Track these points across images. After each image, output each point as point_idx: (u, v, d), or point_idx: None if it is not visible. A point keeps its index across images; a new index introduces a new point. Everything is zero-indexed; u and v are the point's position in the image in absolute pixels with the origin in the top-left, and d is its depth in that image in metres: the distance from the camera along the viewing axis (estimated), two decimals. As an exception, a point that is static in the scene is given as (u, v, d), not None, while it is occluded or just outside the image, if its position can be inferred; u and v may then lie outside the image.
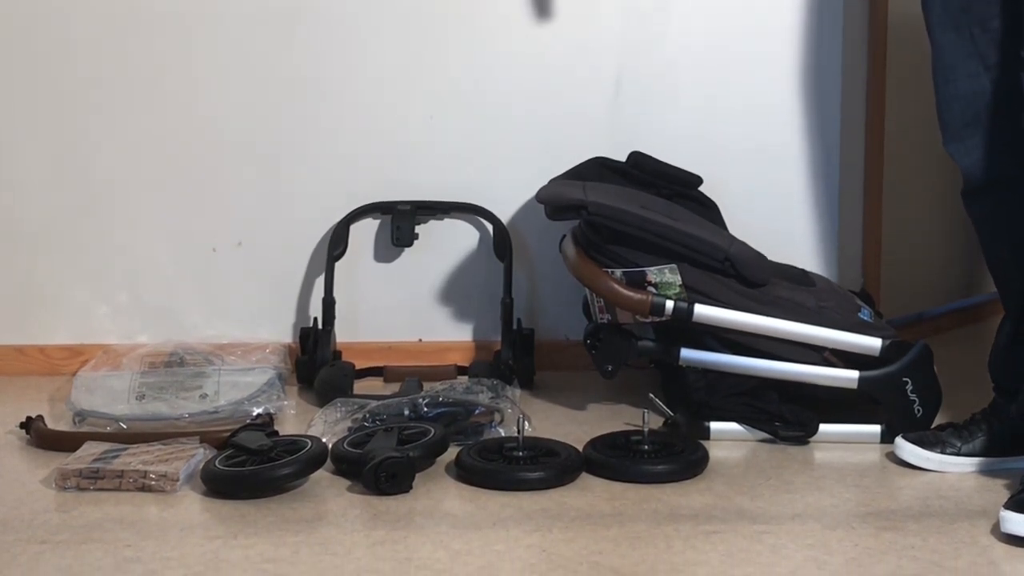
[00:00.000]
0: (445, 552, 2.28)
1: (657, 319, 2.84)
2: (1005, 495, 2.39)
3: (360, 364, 3.21)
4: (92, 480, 2.54)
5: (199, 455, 2.64)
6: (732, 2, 3.27)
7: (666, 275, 2.82)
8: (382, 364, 3.27)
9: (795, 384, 2.85)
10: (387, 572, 2.21)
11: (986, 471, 2.61)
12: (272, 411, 2.93)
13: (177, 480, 2.54)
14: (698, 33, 3.28)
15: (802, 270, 3.04)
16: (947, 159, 2.63)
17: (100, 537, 2.34)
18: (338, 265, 3.25)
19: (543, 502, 2.49)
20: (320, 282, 3.28)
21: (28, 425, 2.83)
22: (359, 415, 2.82)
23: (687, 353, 2.87)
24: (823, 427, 2.81)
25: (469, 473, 2.59)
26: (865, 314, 2.93)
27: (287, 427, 2.89)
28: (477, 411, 2.85)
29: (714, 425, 2.83)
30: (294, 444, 2.61)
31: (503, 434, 2.79)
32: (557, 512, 2.45)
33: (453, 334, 3.35)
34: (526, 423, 2.71)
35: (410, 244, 3.28)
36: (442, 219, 3.32)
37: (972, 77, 2.53)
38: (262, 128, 3.30)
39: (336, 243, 3.26)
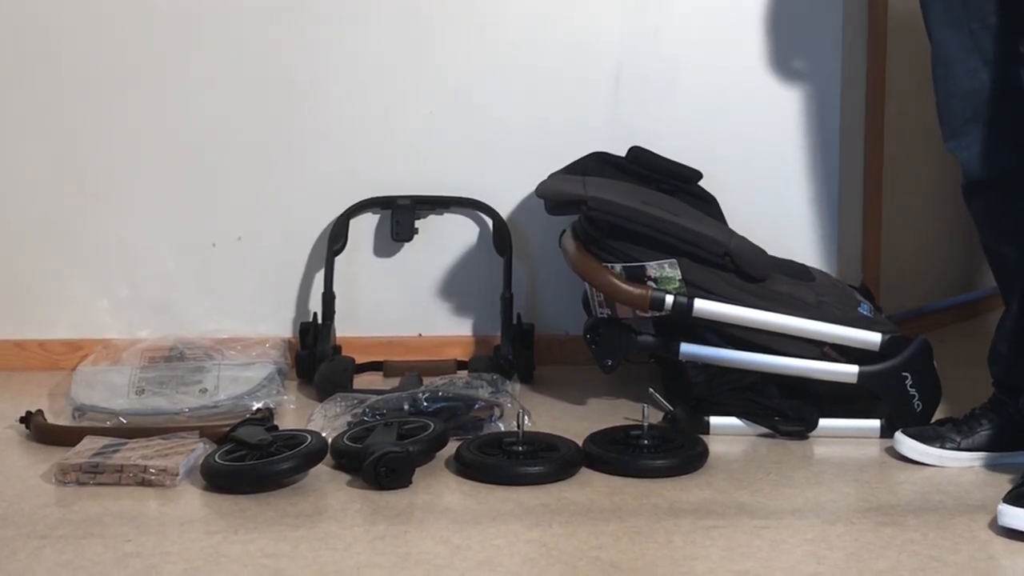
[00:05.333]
0: (445, 547, 2.28)
1: (657, 314, 2.84)
2: (1005, 490, 2.39)
3: (360, 359, 3.20)
4: (92, 475, 2.54)
5: (199, 450, 2.64)
6: (732, -3, 3.28)
7: (666, 270, 2.82)
8: (382, 359, 3.27)
9: (795, 379, 2.85)
10: (387, 567, 2.21)
11: (986, 466, 2.61)
12: (272, 406, 2.93)
13: (177, 475, 2.54)
14: (697, 28, 3.27)
15: (802, 265, 3.04)
16: (947, 153, 2.63)
17: (100, 532, 2.34)
18: (338, 260, 3.25)
19: (543, 497, 2.49)
20: (320, 277, 3.27)
21: (28, 420, 2.83)
22: (359, 410, 2.82)
23: (687, 348, 2.87)
24: (823, 422, 2.81)
25: (469, 468, 2.59)
26: (865, 309, 2.93)
27: (287, 422, 2.89)
28: (477, 406, 2.85)
29: (714, 420, 2.83)
30: (294, 439, 2.61)
31: (503, 429, 2.79)
32: (557, 507, 2.45)
33: (453, 329, 3.35)
34: (526, 418, 2.70)
35: (410, 239, 3.28)
36: (442, 214, 3.32)
37: (971, 73, 2.53)
38: (262, 123, 3.29)
39: (336, 238, 3.26)
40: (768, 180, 3.30)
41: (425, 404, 2.81)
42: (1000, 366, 2.66)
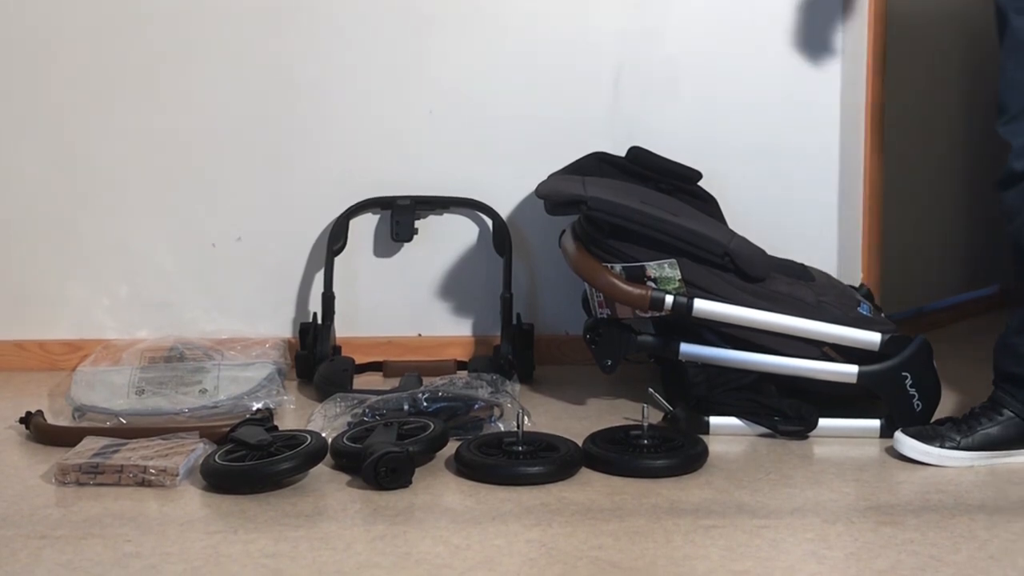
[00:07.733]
0: (445, 547, 2.28)
1: (656, 314, 2.85)
2: (1004, 490, 2.39)
3: (360, 359, 3.21)
4: (92, 475, 2.54)
5: (199, 450, 2.64)
6: (731, -3, 3.28)
7: (665, 270, 2.82)
8: (382, 359, 3.27)
9: (795, 379, 2.85)
10: (387, 567, 2.21)
11: (985, 465, 2.61)
12: (271, 406, 2.93)
13: (177, 475, 2.54)
14: (697, 27, 3.28)
15: (802, 265, 3.04)
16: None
17: (100, 532, 2.34)
18: (338, 260, 3.25)
19: (543, 497, 2.49)
20: (320, 277, 3.28)
21: (28, 420, 2.83)
22: (358, 410, 2.82)
23: (686, 348, 2.87)
24: (822, 422, 2.81)
25: (469, 468, 2.59)
26: (864, 309, 2.93)
27: (286, 422, 2.89)
28: (477, 406, 2.85)
29: (713, 419, 2.83)
30: (293, 439, 2.61)
31: (503, 429, 2.80)
32: (557, 507, 2.45)
33: (453, 329, 3.35)
34: (526, 418, 2.71)
35: (410, 239, 3.28)
36: (442, 214, 3.32)
37: None
38: (262, 124, 3.30)
39: (336, 238, 3.26)
40: (768, 180, 3.30)
41: (425, 404, 2.81)
42: (1010, 359, 2.64)
